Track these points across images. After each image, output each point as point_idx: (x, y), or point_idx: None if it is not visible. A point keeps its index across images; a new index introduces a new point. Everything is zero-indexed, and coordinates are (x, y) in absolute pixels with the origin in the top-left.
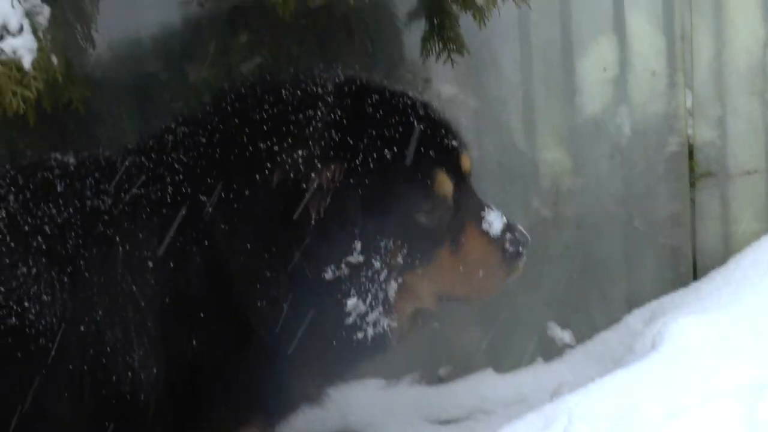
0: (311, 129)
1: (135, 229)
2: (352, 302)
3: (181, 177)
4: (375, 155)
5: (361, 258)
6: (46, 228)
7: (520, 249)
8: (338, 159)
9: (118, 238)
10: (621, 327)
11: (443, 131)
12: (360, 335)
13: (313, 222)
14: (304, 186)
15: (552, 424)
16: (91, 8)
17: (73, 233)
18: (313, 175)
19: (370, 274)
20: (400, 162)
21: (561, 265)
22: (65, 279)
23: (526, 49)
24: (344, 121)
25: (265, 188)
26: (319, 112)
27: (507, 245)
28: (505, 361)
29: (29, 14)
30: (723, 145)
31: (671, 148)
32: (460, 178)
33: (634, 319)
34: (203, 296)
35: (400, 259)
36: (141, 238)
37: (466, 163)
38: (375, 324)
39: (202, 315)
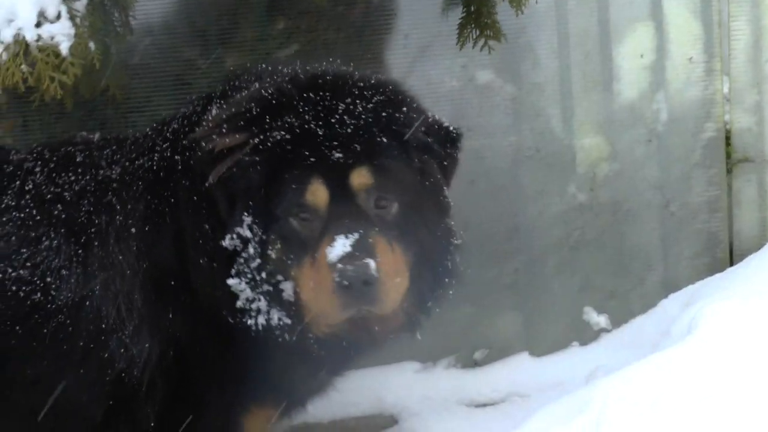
0: (234, 102)
1: (129, 195)
2: (234, 282)
3: (169, 143)
4: (275, 141)
5: (248, 234)
6: (66, 195)
7: (344, 283)
8: (247, 131)
9: (118, 206)
10: (657, 312)
11: (334, 142)
12: (250, 321)
13: (217, 185)
14: (208, 148)
15: (587, 408)
16: None
17: (86, 200)
18: (215, 138)
19: (247, 255)
20: (290, 159)
21: (597, 250)
22: (80, 251)
23: (563, 36)
24: (272, 102)
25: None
26: (256, 86)
27: (335, 274)
28: (540, 345)
29: (67, 1)
30: (760, 131)
31: (708, 134)
32: (343, 193)
33: (671, 303)
34: (173, 265)
35: (273, 254)
36: (132, 205)
37: (354, 178)
38: (266, 314)
39: (173, 284)
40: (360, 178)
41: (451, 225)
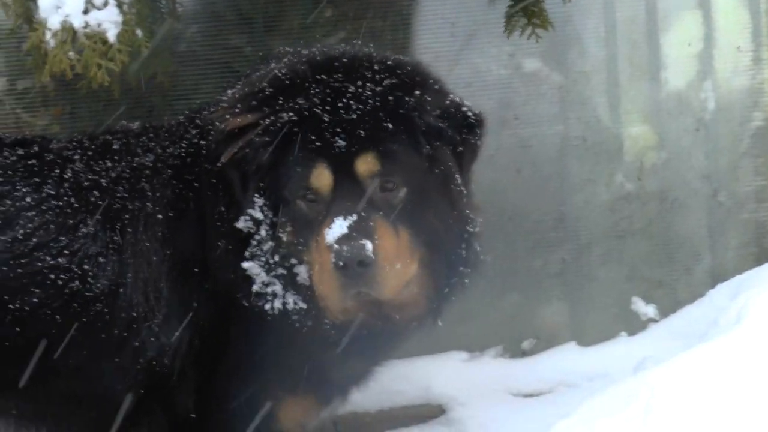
0: (249, 80)
1: (158, 182)
2: (248, 265)
3: (198, 130)
4: (285, 122)
5: (260, 216)
6: (102, 182)
7: (341, 263)
8: (259, 112)
9: (148, 192)
10: (705, 301)
11: (340, 128)
12: (267, 306)
13: (230, 165)
14: (221, 127)
15: (634, 399)
16: None
17: (121, 187)
18: (227, 117)
19: (258, 238)
20: (298, 142)
21: (644, 239)
22: (115, 237)
23: (611, 25)
24: (286, 83)
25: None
26: (271, 67)
27: (332, 255)
28: (588, 334)
29: None
30: None
31: (755, 123)
32: (348, 177)
33: (719, 293)
34: (196, 250)
35: (283, 236)
36: (160, 193)
37: (360, 165)
38: (281, 298)
39: (196, 270)
40: (364, 164)
41: (466, 213)
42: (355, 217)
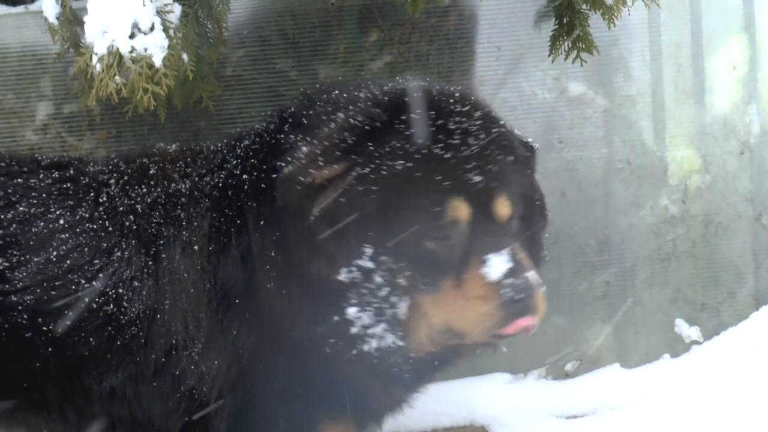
0: (326, 131)
1: (196, 212)
2: (353, 311)
3: (239, 160)
4: (391, 167)
5: (370, 265)
6: (138, 207)
7: (519, 297)
8: (346, 160)
9: (184, 222)
10: (749, 324)
11: (473, 164)
12: (365, 347)
13: (320, 218)
14: (307, 181)
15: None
16: (222, 6)
17: (157, 213)
18: (313, 170)
19: (373, 286)
20: (416, 182)
21: (688, 262)
22: (150, 262)
23: (656, 49)
24: (367, 128)
25: (275, 182)
26: (341, 116)
27: (505, 291)
28: (632, 356)
29: (160, 12)
30: None
31: None
32: (485, 216)
33: (762, 316)
34: (239, 285)
35: (403, 281)
36: (197, 223)
37: (498, 205)
38: (380, 339)
39: (238, 302)
40: (503, 200)
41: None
42: (508, 251)
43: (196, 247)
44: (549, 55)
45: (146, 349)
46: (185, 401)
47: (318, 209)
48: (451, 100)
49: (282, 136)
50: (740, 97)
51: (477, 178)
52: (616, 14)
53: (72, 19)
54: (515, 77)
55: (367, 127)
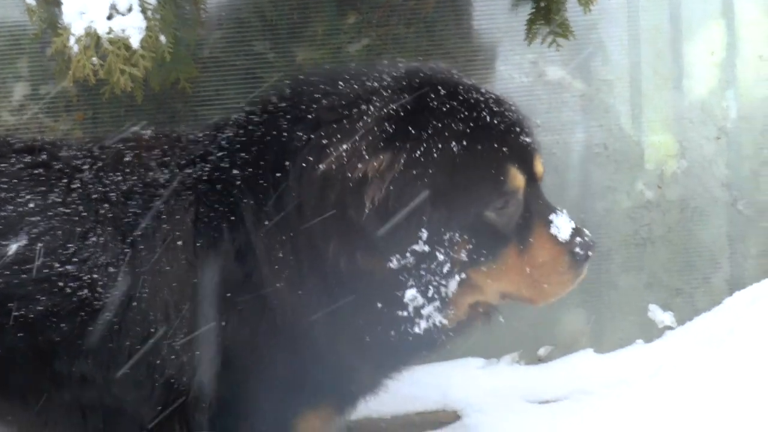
0: (361, 123)
1: (177, 205)
2: (410, 293)
3: (224, 152)
4: (441, 147)
5: (426, 248)
6: (112, 195)
7: (589, 253)
8: (391, 149)
9: (164, 215)
10: (722, 309)
11: (518, 128)
12: (413, 329)
13: (367, 213)
14: (354, 176)
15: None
16: None
17: (133, 202)
18: (359, 165)
19: (433, 266)
20: (471, 155)
21: (664, 247)
22: (126, 249)
23: (634, 33)
24: (402, 113)
25: (302, 177)
26: (372, 106)
27: (576, 249)
28: (605, 341)
29: None
30: None
31: None
32: (532, 178)
33: (736, 301)
34: (232, 279)
35: (464, 255)
36: (180, 216)
37: (539, 165)
38: (428, 318)
39: (229, 296)
40: (540, 164)
41: None
42: (561, 211)
43: (179, 243)
44: (525, 39)
45: (120, 336)
46: (161, 390)
47: (370, 203)
48: (460, 76)
49: (281, 133)
50: (718, 83)
51: (527, 140)
52: None
53: (50, 0)
54: (492, 61)
55: (402, 113)
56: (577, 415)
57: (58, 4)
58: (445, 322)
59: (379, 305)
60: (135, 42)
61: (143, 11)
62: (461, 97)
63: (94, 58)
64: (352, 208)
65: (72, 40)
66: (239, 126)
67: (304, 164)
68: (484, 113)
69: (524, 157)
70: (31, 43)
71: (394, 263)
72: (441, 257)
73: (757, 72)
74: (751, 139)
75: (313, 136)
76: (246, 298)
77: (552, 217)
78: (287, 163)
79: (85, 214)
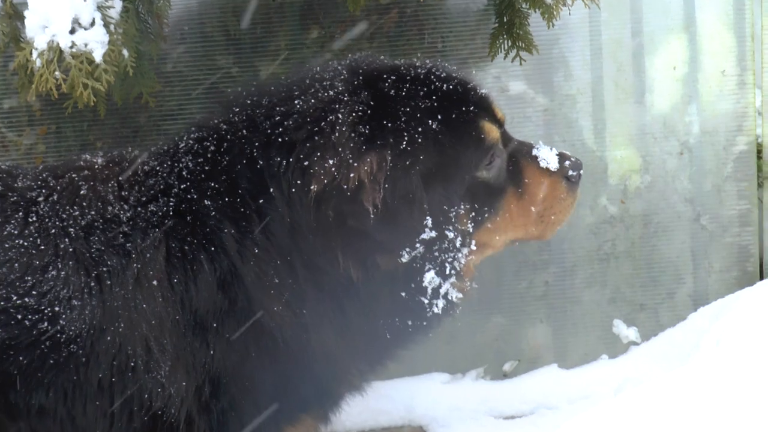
0: (336, 133)
1: (146, 244)
2: (429, 276)
3: (188, 184)
4: (421, 129)
5: (433, 233)
6: (71, 230)
7: (581, 172)
8: (374, 149)
9: (133, 254)
10: (687, 325)
11: (469, 84)
12: (433, 310)
13: (372, 217)
14: (350, 186)
15: (614, 420)
16: (163, 2)
17: (95, 238)
18: (351, 174)
19: (446, 245)
20: (447, 126)
21: (627, 262)
22: (92, 284)
23: (596, 48)
24: (370, 111)
25: (292, 201)
26: (339, 114)
27: (570, 173)
28: (570, 357)
29: (101, 8)
30: None
31: (739, 147)
32: (499, 125)
33: (700, 317)
34: (218, 309)
35: (469, 223)
36: (150, 255)
37: (498, 110)
38: (446, 296)
39: (215, 325)
40: (499, 109)
41: None
42: (538, 143)
43: (154, 282)
44: (488, 54)
45: (87, 368)
46: (151, 423)
47: (372, 207)
48: (389, 60)
49: (253, 159)
50: (680, 97)
51: (482, 92)
52: (555, 13)
53: (12, 14)
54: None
55: (369, 111)
56: (542, 431)
57: (21, 18)
58: (460, 295)
59: (401, 298)
60: (98, 56)
61: (106, 25)
62: (409, 77)
63: (57, 72)
64: (355, 218)
65: (35, 54)
66: (196, 155)
67: (293, 189)
68: (438, 83)
69: (487, 108)
70: None
71: (406, 257)
72: (451, 234)
73: (720, 87)
74: (713, 154)
75: (291, 159)
76: (233, 326)
77: (535, 152)
78: (271, 189)
79: (44, 247)
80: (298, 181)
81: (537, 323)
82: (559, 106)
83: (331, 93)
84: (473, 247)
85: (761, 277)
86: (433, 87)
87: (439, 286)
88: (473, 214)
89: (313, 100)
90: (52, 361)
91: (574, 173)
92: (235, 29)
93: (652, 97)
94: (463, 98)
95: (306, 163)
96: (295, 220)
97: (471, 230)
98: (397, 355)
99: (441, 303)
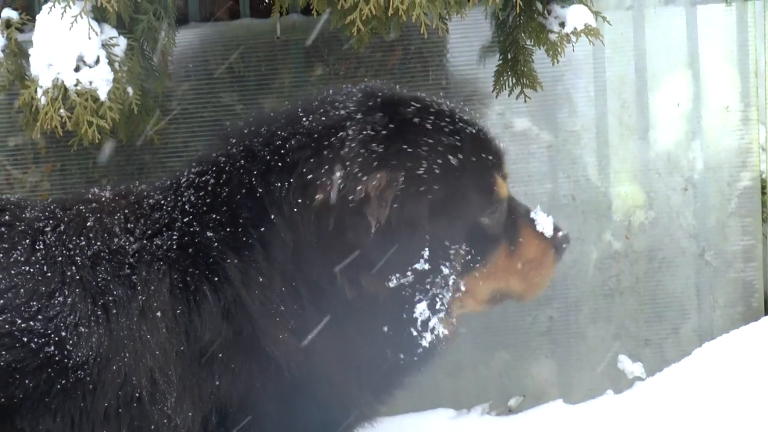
0: (346, 149)
1: (150, 276)
2: (420, 307)
3: (190, 217)
4: (441, 162)
5: (426, 266)
6: (78, 259)
7: (567, 245)
8: (386, 168)
9: (138, 286)
10: (692, 360)
11: (489, 134)
12: (421, 342)
13: (373, 233)
14: (355, 198)
15: None
16: (167, 40)
17: (101, 268)
18: (358, 187)
19: (438, 279)
20: (465, 167)
21: (632, 297)
22: (99, 312)
23: (600, 84)
24: (386, 133)
25: (293, 221)
26: (350, 131)
27: (561, 244)
28: (575, 392)
29: (106, 46)
30: None
31: (744, 183)
32: (506, 180)
33: (705, 352)
34: (224, 339)
35: (461, 264)
36: (154, 287)
37: (506, 166)
38: (433, 330)
39: (221, 356)
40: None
41: None
42: (536, 208)
43: (158, 314)
44: (493, 91)
45: (95, 395)
46: None
47: (376, 221)
48: (409, 90)
49: (252, 188)
50: (684, 134)
51: (500, 145)
52: (560, 50)
53: (17, 52)
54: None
55: (385, 133)
56: None
57: (26, 56)
58: (446, 332)
59: (387, 327)
60: (102, 94)
61: (110, 63)
62: (433, 109)
63: (62, 110)
64: (354, 230)
65: (39, 92)
66: (197, 188)
67: (294, 209)
68: (462, 124)
69: (501, 161)
70: None
71: (392, 282)
72: (446, 270)
73: (723, 122)
74: (717, 189)
75: (292, 180)
76: (238, 356)
77: (533, 215)
78: (272, 216)
79: (50, 274)
80: (299, 200)
81: (542, 358)
82: (563, 143)
83: (343, 112)
84: (461, 291)
85: (766, 313)
86: (458, 126)
87: (428, 320)
88: (468, 257)
89: (322, 119)
90: (59, 387)
91: (565, 246)
92: (240, 66)
93: (656, 134)
94: (484, 146)
95: (309, 177)
96: (297, 242)
97: (460, 272)
98: (403, 384)
99: (429, 337)
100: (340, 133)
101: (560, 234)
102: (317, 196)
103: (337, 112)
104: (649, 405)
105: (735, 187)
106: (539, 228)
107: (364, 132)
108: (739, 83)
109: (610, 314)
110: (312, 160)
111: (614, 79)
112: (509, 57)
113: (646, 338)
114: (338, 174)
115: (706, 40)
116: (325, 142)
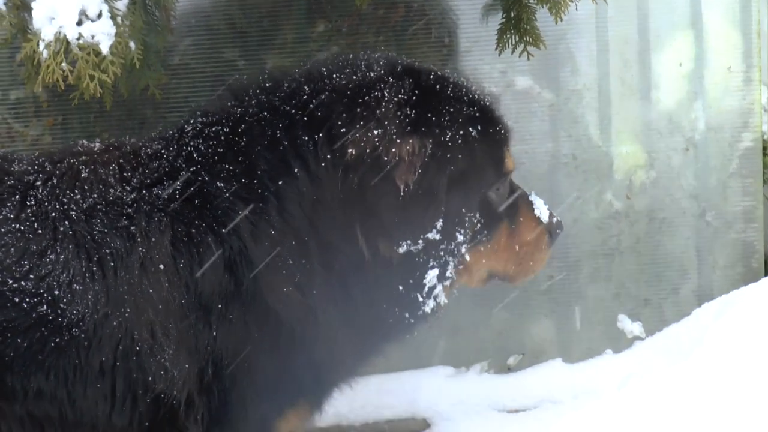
0: (382, 108)
1: (151, 228)
2: (431, 274)
3: (198, 167)
4: (462, 132)
5: (437, 236)
6: (72, 213)
7: (561, 231)
8: (418, 135)
9: (138, 237)
10: (691, 320)
11: (498, 110)
12: (424, 308)
13: (394, 196)
14: (390, 159)
15: (618, 414)
16: None
17: (98, 221)
18: (393, 149)
19: (452, 246)
20: (483, 139)
21: (632, 258)
22: (95, 268)
23: (603, 44)
24: (416, 99)
25: (319, 176)
26: (385, 92)
27: (554, 229)
28: (574, 351)
29: (108, 0)
30: None
31: (745, 144)
32: (510, 159)
33: (704, 313)
34: (224, 290)
35: (470, 235)
36: (156, 238)
37: (510, 149)
38: (436, 297)
39: (220, 306)
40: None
41: None
42: (531, 192)
43: (161, 266)
44: (496, 49)
45: (89, 352)
46: (152, 406)
47: (404, 185)
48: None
49: (276, 140)
50: (686, 94)
51: (509, 123)
52: (563, 9)
53: (20, 5)
54: (462, 70)
55: (415, 99)
56: (545, 425)
57: (28, 10)
58: (446, 300)
59: (395, 292)
60: (104, 48)
61: (113, 17)
62: (452, 79)
63: (64, 64)
64: (377, 193)
65: (42, 46)
66: (207, 138)
67: (322, 163)
68: (477, 96)
69: (509, 135)
70: (0, 48)
71: (403, 248)
72: (460, 237)
73: (726, 83)
74: (719, 150)
75: (322, 134)
76: (238, 308)
77: (531, 198)
78: (295, 169)
79: (41, 231)
80: (327, 155)
81: (541, 318)
82: (565, 102)
83: (372, 75)
84: (466, 261)
85: (766, 274)
86: (475, 97)
87: (434, 287)
88: (477, 228)
89: (353, 78)
90: (53, 345)
91: (559, 231)
92: (242, 22)
93: (657, 94)
94: (497, 118)
95: (343, 130)
96: (319, 197)
97: (466, 244)
98: (385, 350)
99: (431, 303)
100: (375, 93)
101: (555, 220)
102: (350, 151)
103: (366, 74)
104: (648, 364)
105: (736, 148)
106: (537, 212)
107: (399, 95)
108: (742, 44)
109: (610, 274)
110: (345, 115)
111: (617, 38)
112: (512, 15)
113: (646, 298)
114: (376, 132)
115: (709, 0)
116: (360, 100)
